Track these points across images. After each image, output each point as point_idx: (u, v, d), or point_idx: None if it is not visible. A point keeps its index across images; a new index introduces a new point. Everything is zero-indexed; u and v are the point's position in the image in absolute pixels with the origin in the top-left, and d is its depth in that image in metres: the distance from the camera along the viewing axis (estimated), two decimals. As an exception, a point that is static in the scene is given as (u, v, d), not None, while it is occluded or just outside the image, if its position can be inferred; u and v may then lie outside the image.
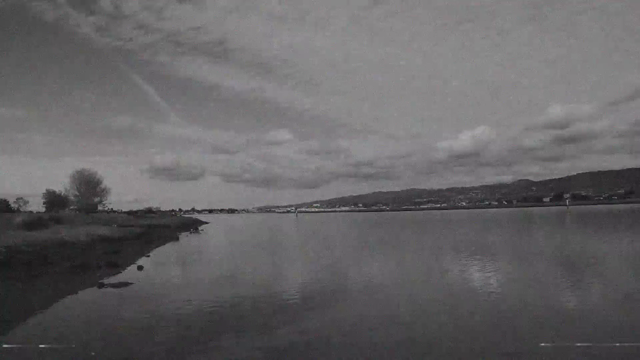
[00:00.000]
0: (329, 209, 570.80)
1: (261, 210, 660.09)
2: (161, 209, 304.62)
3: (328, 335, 16.20)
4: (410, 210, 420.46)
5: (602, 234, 58.60)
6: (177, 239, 71.17)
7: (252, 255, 46.08)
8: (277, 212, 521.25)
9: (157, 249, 53.05)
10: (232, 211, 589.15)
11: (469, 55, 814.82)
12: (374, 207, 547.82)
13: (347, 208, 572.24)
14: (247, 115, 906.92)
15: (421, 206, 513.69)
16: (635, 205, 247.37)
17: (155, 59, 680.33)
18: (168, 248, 55.31)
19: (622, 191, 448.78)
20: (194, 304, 21.93)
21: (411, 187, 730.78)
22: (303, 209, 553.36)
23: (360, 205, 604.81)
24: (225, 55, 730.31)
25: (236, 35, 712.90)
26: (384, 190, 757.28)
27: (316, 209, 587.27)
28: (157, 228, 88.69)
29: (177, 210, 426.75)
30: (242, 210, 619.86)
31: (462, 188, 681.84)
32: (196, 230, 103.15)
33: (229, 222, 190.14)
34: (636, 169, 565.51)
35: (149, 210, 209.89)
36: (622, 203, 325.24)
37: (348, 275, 30.07)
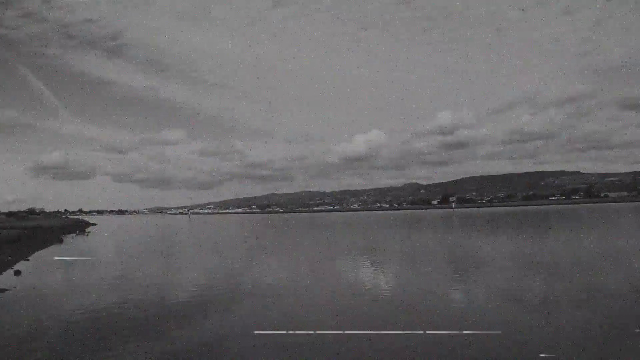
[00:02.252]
0: (223, 211, 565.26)
1: (153, 211, 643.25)
2: (45, 210, 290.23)
3: (221, 338, 15.96)
4: (304, 212, 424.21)
5: (484, 235, 61.75)
6: (62, 241, 67.82)
7: (142, 258, 44.66)
8: (170, 214, 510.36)
9: (38, 252, 50.22)
10: (121, 212, 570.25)
11: (365, 61, 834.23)
12: (268, 209, 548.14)
13: (241, 210, 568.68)
14: (141, 113, 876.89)
15: (315, 208, 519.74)
16: (514, 208, 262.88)
17: (44, 50, 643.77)
18: (51, 251, 52.50)
19: (502, 195, 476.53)
20: (78, 309, 20.80)
21: (305, 190, 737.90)
22: (196, 211, 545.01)
23: (254, 207, 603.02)
24: (119, 50, 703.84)
25: (132, 31, 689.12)
26: (279, 192, 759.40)
27: (209, 211, 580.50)
28: (39, 230, 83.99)
29: (63, 211, 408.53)
30: (133, 211, 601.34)
31: (355, 191, 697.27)
32: (83, 232, 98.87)
33: (118, 223, 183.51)
34: (515, 174, 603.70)
35: (32, 211, 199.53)
36: (502, 206, 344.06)
37: (241, 278, 29.72)
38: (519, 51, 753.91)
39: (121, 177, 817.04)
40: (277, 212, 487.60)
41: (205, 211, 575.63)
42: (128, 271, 34.68)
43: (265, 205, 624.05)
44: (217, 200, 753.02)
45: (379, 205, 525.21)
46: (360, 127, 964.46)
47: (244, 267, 36.02)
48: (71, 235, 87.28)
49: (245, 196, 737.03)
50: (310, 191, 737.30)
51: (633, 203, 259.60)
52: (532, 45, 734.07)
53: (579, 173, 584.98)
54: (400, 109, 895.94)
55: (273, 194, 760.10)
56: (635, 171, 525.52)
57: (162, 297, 23.77)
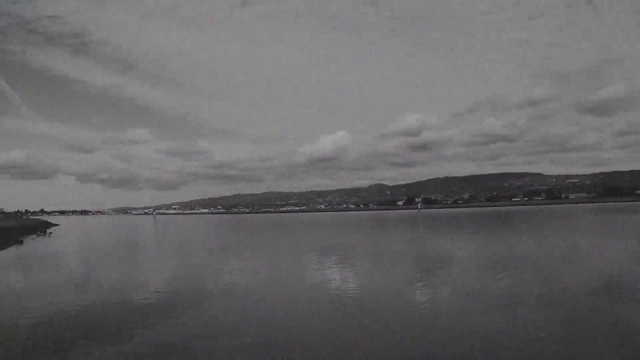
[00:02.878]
0: (188, 211, 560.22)
1: (117, 211, 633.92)
2: (5, 210, 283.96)
3: (186, 339, 15.93)
4: (270, 212, 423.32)
5: (449, 235, 62.75)
6: (21, 242, 66.55)
7: (105, 259, 44.17)
8: (134, 214, 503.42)
9: (-4, 254, 49.20)
10: (85, 213, 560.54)
11: (332, 62, 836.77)
12: (234, 210, 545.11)
13: (206, 210, 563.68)
14: (106, 112, 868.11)
15: (281, 209, 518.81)
16: (478, 209, 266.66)
17: (5, 46, 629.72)
18: (10, 253, 51.72)
19: (466, 196, 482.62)
20: (37, 312, 20.49)
21: (272, 190, 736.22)
22: (162, 211, 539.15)
23: (220, 207, 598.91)
24: (84, 48, 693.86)
25: (97, 28, 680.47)
26: (245, 192, 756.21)
27: (175, 211, 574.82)
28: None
29: (24, 211, 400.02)
30: (97, 211, 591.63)
31: (322, 191, 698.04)
32: (44, 232, 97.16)
33: (81, 224, 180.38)
34: (478, 175, 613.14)
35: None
36: (466, 207, 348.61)
37: (206, 279, 29.65)
38: (484, 55, 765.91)
39: (85, 176, 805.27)
40: (243, 212, 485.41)
41: (171, 211, 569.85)
42: (91, 272, 34.28)
43: (231, 205, 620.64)
44: (183, 200, 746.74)
45: (345, 205, 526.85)
46: (327, 127, 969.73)
47: (209, 267, 35.92)
48: (32, 236, 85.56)
49: (211, 196, 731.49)
50: (276, 191, 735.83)
51: (592, 204, 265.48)
52: (496, 49, 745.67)
53: (540, 175, 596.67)
54: (367, 110, 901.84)
55: (239, 194, 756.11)
56: (594, 173, 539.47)
57: (125, 298, 23.59)
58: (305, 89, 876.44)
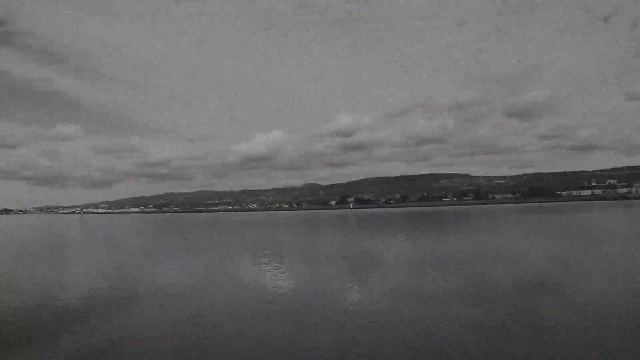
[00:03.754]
0: (118, 210, 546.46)
1: (42, 210, 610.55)
2: None
3: (112, 343, 15.63)
4: (202, 212, 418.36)
5: (380, 234, 64.10)
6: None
7: (28, 260, 42.72)
8: (61, 213, 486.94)
9: None
10: (7, 211, 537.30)
11: (268, 61, 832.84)
12: (165, 209, 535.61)
13: (137, 209, 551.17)
14: (32, 106, 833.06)
15: (214, 208, 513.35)
16: (409, 209, 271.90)
17: None
18: None
19: (398, 196, 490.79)
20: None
21: (204, 189, 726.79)
22: (90, 210, 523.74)
23: (152, 206, 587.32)
24: (9, 38, 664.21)
25: (23, 18, 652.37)
26: (177, 191, 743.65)
27: (104, 210, 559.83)
28: None
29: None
30: (20, 210, 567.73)
31: (255, 190, 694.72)
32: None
33: (2, 223, 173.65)
34: (410, 176, 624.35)
35: None
36: (398, 206, 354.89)
37: (133, 280, 29.18)
38: (417, 58, 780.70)
39: (7, 173, 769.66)
40: (175, 211, 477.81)
41: (100, 210, 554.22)
42: (7, 274, 32.99)
43: (162, 204, 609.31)
44: (113, 199, 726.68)
45: (278, 205, 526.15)
46: (261, 127, 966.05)
47: (137, 268, 35.44)
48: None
49: (142, 195, 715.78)
50: (209, 191, 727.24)
51: (517, 204, 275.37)
52: (429, 53, 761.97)
53: (468, 175, 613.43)
54: (302, 110, 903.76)
55: (171, 193, 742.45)
56: (518, 175, 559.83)
57: (44, 302, 22.80)
58: (240, 88, 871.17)
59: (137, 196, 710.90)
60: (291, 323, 17.77)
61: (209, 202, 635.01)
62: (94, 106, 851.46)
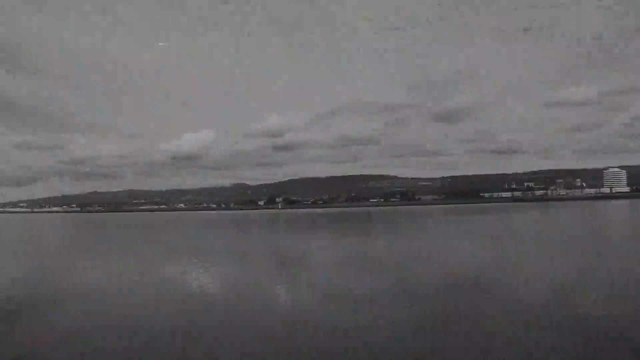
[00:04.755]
0: (38, 210, 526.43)
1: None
2: None
3: (29, 348, 15.38)
4: (129, 212, 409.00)
5: (308, 235, 65.79)
6: None
7: None
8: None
9: None
10: None
11: (199, 59, 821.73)
12: (89, 208, 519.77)
13: (59, 209, 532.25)
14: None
15: (141, 207, 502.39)
16: (338, 209, 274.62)
17: None
18: None
19: (326, 196, 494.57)
20: None
21: (131, 188, 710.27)
22: (6, 209, 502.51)
23: (75, 205, 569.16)
24: None
25: None
26: (103, 190, 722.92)
27: (22, 209, 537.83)
28: None
29: None
30: None
31: (183, 190, 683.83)
32: None
33: None
34: (339, 177, 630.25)
35: None
36: (326, 207, 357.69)
37: (52, 282, 28.79)
38: (348, 60, 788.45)
39: None
40: (100, 211, 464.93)
41: (18, 210, 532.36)
42: None
43: (87, 204, 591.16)
44: (34, 198, 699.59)
45: (206, 205, 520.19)
46: (191, 126, 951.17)
47: (55, 270, 35.06)
48: None
49: (65, 194, 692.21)
50: (136, 190, 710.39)
51: (441, 205, 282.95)
52: (360, 56, 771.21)
53: (396, 177, 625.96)
54: (232, 109, 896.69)
55: (96, 192, 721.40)
56: (443, 177, 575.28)
57: None
58: (170, 86, 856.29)
59: (60, 195, 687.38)
60: (217, 323, 17.84)
61: (136, 201, 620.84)
62: (15, 99, 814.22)
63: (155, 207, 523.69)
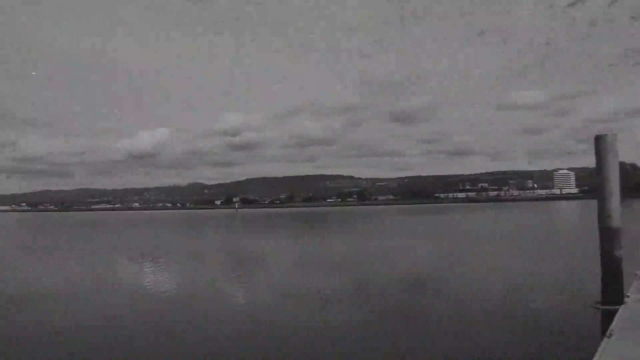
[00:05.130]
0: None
1: None
2: None
3: None
4: (82, 211, 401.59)
5: (266, 236, 65.58)
6: None
7: None
8: None
9: None
10: None
11: (155, 55, 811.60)
12: (40, 207, 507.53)
13: (7, 207, 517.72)
14: None
15: (94, 207, 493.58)
16: (295, 209, 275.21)
17: None
18: None
19: (284, 196, 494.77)
20: None
21: (85, 187, 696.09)
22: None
23: (24, 204, 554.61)
24: None
25: None
26: (55, 188, 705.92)
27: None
28: None
29: None
30: None
31: (138, 189, 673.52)
32: None
33: None
34: (296, 176, 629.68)
35: None
36: (284, 207, 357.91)
37: (7, 284, 27.96)
38: (306, 59, 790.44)
39: None
40: (51, 210, 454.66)
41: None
42: None
43: (37, 202, 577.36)
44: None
45: (161, 204, 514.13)
46: (146, 123, 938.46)
47: (10, 272, 34.07)
48: None
49: (14, 192, 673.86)
50: (90, 188, 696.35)
51: (398, 206, 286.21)
52: (319, 55, 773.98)
53: (352, 177, 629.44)
54: (190, 107, 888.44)
55: (47, 191, 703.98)
56: (399, 177, 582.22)
57: None
58: (125, 83, 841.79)
59: (8, 193, 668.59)
60: (169, 323, 17.73)
61: (89, 200, 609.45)
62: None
63: (109, 206, 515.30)
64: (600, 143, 14.70)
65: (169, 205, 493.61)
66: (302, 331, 16.56)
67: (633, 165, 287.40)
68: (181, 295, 23.78)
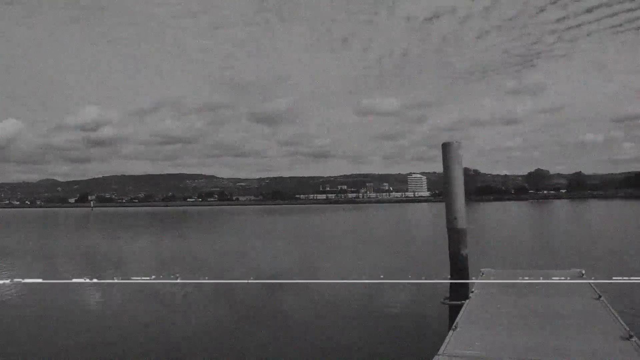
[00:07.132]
0: None
1: None
2: None
3: None
4: None
5: (122, 235, 63.57)
6: None
7: None
8: None
9: None
10: None
11: (9, 43, 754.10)
12: None
13: None
14: None
15: None
16: (154, 208, 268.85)
17: None
18: None
19: (142, 195, 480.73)
20: None
21: None
22: None
23: None
24: None
25: None
26: None
27: None
28: None
29: None
30: None
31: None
32: None
33: None
34: (155, 175, 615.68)
35: None
36: (142, 206, 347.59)
37: None
38: (170, 56, 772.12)
39: None
40: None
41: None
42: None
43: None
44: None
45: (8, 202, 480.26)
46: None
47: None
48: None
49: None
50: None
51: (259, 206, 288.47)
52: (182, 53, 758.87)
53: (214, 177, 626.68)
54: (43, 99, 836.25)
55: None
56: (261, 178, 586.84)
57: None
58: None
59: None
60: (20, 325, 17.26)
61: None
62: None
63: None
64: (446, 150, 15.47)
65: (17, 203, 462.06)
66: (157, 330, 16.54)
67: (476, 171, 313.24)
68: (34, 295, 22.63)
